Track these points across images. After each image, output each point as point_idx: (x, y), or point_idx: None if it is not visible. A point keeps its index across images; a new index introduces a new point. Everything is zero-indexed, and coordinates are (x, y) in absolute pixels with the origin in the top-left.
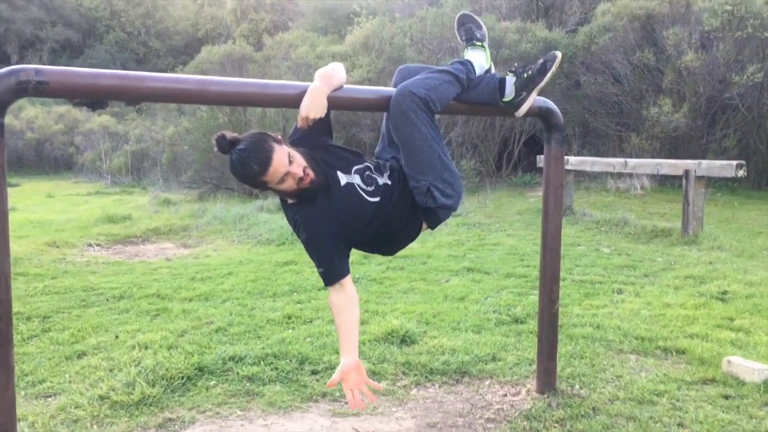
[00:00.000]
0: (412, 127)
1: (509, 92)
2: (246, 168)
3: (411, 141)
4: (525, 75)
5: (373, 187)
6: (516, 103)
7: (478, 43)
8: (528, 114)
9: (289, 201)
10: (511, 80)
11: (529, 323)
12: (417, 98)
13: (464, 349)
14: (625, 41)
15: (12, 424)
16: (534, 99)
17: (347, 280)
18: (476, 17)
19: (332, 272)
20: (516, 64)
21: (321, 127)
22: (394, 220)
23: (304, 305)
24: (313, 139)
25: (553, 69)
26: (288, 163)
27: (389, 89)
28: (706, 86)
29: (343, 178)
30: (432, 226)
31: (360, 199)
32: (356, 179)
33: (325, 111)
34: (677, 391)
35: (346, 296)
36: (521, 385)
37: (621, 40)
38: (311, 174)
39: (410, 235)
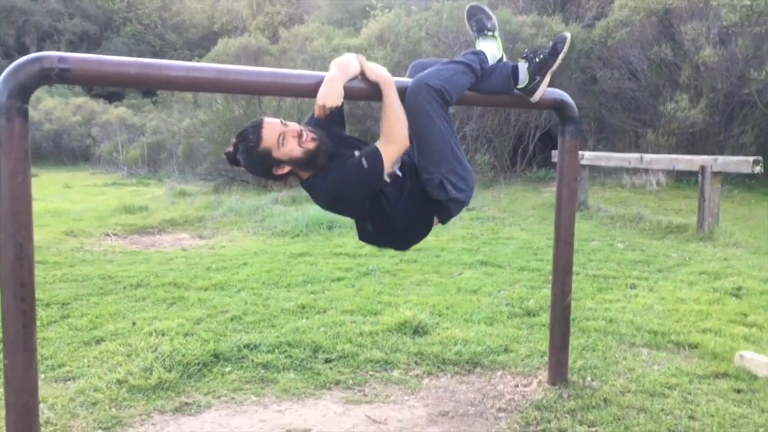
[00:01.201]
0: (428, 119)
1: (523, 78)
2: (248, 144)
3: (426, 133)
4: (537, 59)
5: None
6: (531, 89)
7: (489, 33)
8: (542, 106)
9: (305, 176)
10: (523, 66)
11: (542, 316)
12: (433, 90)
13: (477, 340)
14: (642, 36)
15: (34, 403)
16: (547, 83)
17: None
18: (486, 8)
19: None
20: (527, 50)
21: (334, 118)
22: (405, 212)
23: (318, 296)
24: (326, 128)
25: (564, 50)
26: (281, 124)
27: (405, 80)
28: (724, 82)
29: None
30: (443, 221)
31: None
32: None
33: (342, 100)
34: (689, 384)
35: None
36: (533, 377)
37: (638, 34)
38: (311, 134)
39: (422, 229)
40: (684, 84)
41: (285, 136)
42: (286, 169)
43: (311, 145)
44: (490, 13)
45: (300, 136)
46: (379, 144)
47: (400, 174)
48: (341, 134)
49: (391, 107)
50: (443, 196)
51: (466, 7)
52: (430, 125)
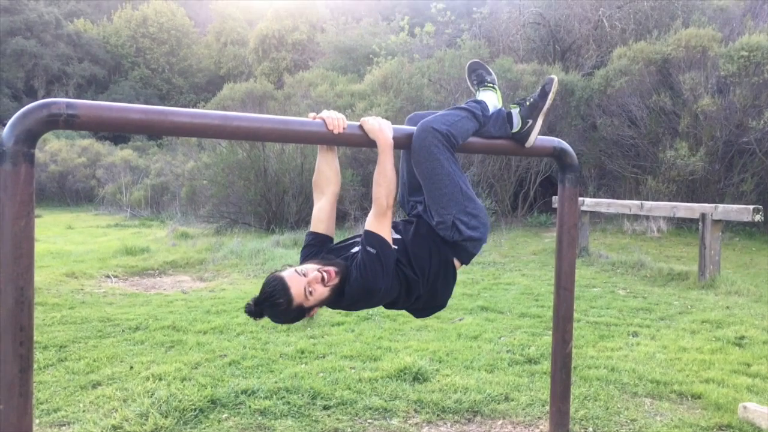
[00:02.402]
0: (435, 162)
1: (516, 122)
2: (278, 308)
3: (433, 176)
4: (527, 103)
5: None
6: (524, 133)
7: (490, 85)
8: (542, 154)
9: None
10: (515, 111)
11: (543, 364)
12: (439, 134)
13: (477, 388)
14: (642, 85)
15: None
16: (540, 126)
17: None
18: (485, 64)
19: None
20: (518, 98)
21: (322, 240)
22: (423, 266)
23: (317, 340)
24: (324, 245)
25: (552, 90)
26: (302, 276)
27: (409, 128)
28: (723, 130)
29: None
30: (465, 261)
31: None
32: None
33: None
34: None
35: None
36: (534, 426)
37: (637, 83)
38: (331, 268)
39: (447, 276)
40: (683, 132)
41: (311, 286)
42: (317, 308)
43: (336, 280)
44: (490, 69)
45: (323, 279)
46: (371, 220)
47: (398, 236)
48: (335, 249)
49: (383, 174)
50: (457, 236)
51: (468, 63)
52: (438, 168)
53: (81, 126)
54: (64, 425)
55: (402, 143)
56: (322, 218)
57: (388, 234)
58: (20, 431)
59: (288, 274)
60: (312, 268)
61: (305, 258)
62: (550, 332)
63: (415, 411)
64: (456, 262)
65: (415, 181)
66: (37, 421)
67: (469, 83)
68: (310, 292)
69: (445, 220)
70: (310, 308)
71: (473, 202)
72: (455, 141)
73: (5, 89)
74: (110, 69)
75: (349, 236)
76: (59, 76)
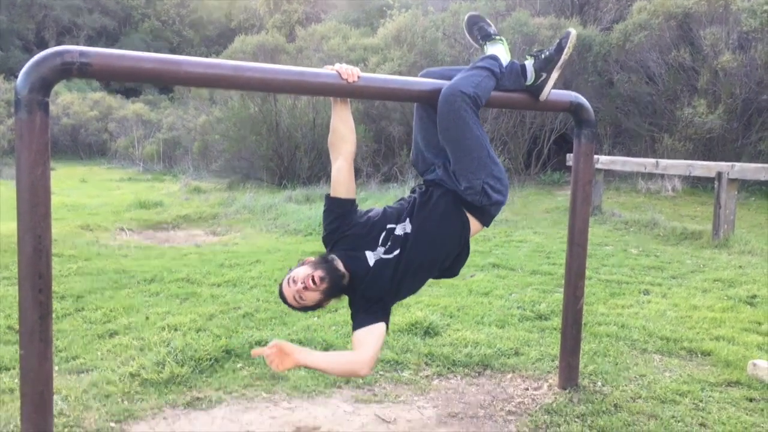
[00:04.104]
0: (465, 126)
1: (530, 75)
2: (288, 307)
3: (462, 141)
4: (543, 56)
5: (389, 244)
6: (538, 86)
7: (497, 37)
8: (558, 108)
9: (349, 300)
10: (530, 64)
11: (553, 320)
12: (467, 97)
13: (487, 342)
14: (661, 40)
15: (49, 393)
16: (554, 80)
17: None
18: (484, 17)
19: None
20: (534, 50)
21: (344, 206)
22: (433, 234)
23: None
24: (346, 220)
25: (569, 45)
26: (292, 284)
27: (425, 80)
28: (743, 88)
29: (371, 258)
30: (487, 224)
31: (386, 265)
32: (381, 251)
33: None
34: (701, 392)
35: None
36: (543, 380)
37: (657, 38)
38: (317, 273)
39: (462, 250)
40: (702, 89)
41: (299, 293)
42: (328, 302)
43: (324, 285)
44: (489, 21)
45: (306, 288)
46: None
47: (400, 233)
48: (358, 223)
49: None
50: (486, 201)
51: (465, 18)
52: (468, 132)
53: (94, 74)
54: (83, 372)
55: (419, 97)
56: (341, 180)
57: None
58: (41, 376)
59: (284, 283)
60: (301, 276)
61: (328, 227)
62: (561, 289)
63: (426, 364)
64: (476, 225)
65: (433, 139)
66: (56, 368)
67: (470, 39)
68: (301, 298)
69: (474, 185)
70: (317, 305)
71: (498, 165)
72: (481, 103)
73: (16, 41)
74: (120, 21)
75: (370, 212)
76: (70, 28)
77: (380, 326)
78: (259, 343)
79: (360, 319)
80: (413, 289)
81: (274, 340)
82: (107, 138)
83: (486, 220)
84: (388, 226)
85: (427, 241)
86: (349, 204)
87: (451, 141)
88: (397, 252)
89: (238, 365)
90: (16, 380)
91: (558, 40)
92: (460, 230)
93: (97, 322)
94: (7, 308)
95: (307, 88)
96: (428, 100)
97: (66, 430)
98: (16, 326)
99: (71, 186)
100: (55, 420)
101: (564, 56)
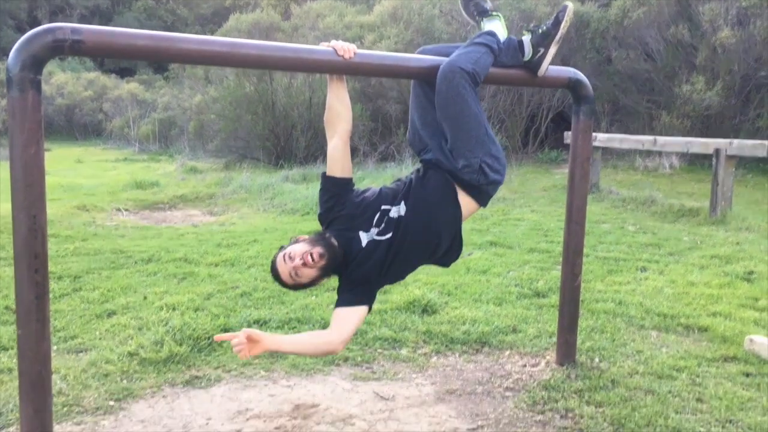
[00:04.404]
0: (463, 104)
1: (527, 51)
2: (280, 285)
3: (461, 118)
4: (540, 31)
5: (383, 226)
6: (536, 61)
7: (494, 14)
8: (557, 85)
9: (339, 279)
10: (527, 39)
11: (551, 297)
12: (466, 74)
13: (485, 320)
14: (660, 16)
15: (47, 373)
16: (552, 55)
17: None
18: None
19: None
20: (532, 24)
21: (340, 185)
22: (428, 219)
23: None
24: (342, 200)
25: (566, 20)
26: (288, 260)
27: (422, 57)
28: (741, 64)
29: (364, 238)
30: (484, 204)
31: (378, 246)
32: (374, 231)
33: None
34: (697, 367)
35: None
36: (541, 357)
37: (655, 14)
38: (316, 250)
39: (454, 240)
40: (700, 66)
41: (295, 270)
42: (321, 281)
43: (322, 262)
44: None
45: (305, 264)
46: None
47: (394, 216)
48: (353, 203)
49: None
50: (483, 179)
51: None
52: (466, 110)
53: (87, 52)
54: (82, 351)
55: (416, 73)
56: (336, 158)
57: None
58: (39, 355)
59: (279, 259)
60: (299, 252)
61: (323, 206)
62: (559, 267)
63: (424, 342)
64: (473, 205)
65: (429, 117)
66: (54, 347)
67: (466, 15)
68: (297, 275)
69: (472, 163)
70: (310, 284)
71: (496, 144)
72: (479, 79)
73: (8, 20)
74: None
75: (367, 192)
76: (62, 7)
77: (363, 309)
78: (258, 323)
79: (344, 298)
80: (401, 274)
81: (243, 329)
82: (102, 118)
83: (483, 199)
84: (383, 207)
85: (421, 224)
86: (345, 183)
87: (449, 118)
88: (389, 234)
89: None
90: (15, 360)
91: (555, 14)
92: (454, 215)
93: (95, 302)
94: (4, 288)
95: (303, 64)
96: (426, 76)
97: (65, 409)
98: (14, 306)
99: (67, 167)
100: (54, 399)
101: (561, 30)
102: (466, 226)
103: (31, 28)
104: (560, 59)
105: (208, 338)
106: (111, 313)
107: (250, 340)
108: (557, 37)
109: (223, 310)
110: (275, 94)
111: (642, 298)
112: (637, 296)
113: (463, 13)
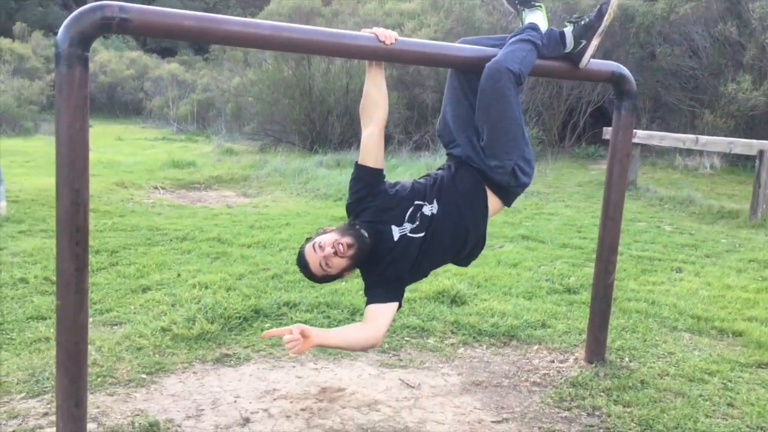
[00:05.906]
0: (507, 105)
1: (569, 42)
2: (308, 277)
3: (502, 120)
4: (582, 22)
5: (417, 223)
6: (577, 53)
7: (536, 4)
8: (600, 78)
9: (364, 272)
10: (569, 30)
11: (582, 294)
12: (512, 75)
13: (514, 313)
14: (707, 12)
15: (84, 343)
16: (595, 48)
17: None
18: None
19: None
20: (575, 15)
21: (373, 175)
22: (459, 211)
23: None
24: (373, 190)
25: (610, 11)
26: (318, 249)
27: (464, 46)
28: None
29: (396, 232)
30: (509, 204)
31: (411, 243)
32: (407, 227)
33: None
34: (730, 372)
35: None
36: (569, 353)
37: (703, 10)
38: (345, 240)
39: (479, 227)
40: (747, 64)
41: (326, 260)
42: (347, 273)
43: (352, 252)
44: None
45: (336, 253)
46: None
47: (428, 213)
48: (386, 196)
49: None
50: (513, 182)
51: None
52: (509, 112)
53: (134, 30)
54: (116, 324)
55: (458, 63)
56: (371, 147)
57: None
58: (76, 326)
59: (307, 249)
60: (329, 241)
61: (354, 195)
62: (591, 263)
63: (452, 332)
64: (498, 204)
65: (461, 111)
66: (90, 319)
67: (508, 5)
68: (327, 265)
69: (506, 165)
70: (339, 276)
71: (529, 147)
72: (523, 80)
73: None
74: None
75: (397, 185)
76: None
77: (395, 306)
78: (288, 305)
79: (376, 294)
80: (426, 273)
81: (296, 324)
82: (143, 97)
83: (509, 200)
84: (416, 202)
85: (451, 223)
86: (377, 173)
87: (490, 118)
88: (423, 233)
89: (266, 324)
90: (52, 330)
91: (599, 6)
92: (483, 215)
93: (131, 277)
94: (44, 260)
95: (345, 50)
96: (466, 66)
97: (99, 379)
98: (53, 277)
99: (107, 143)
100: (89, 369)
101: (605, 22)
102: (498, 219)
103: (77, 5)
104: (602, 53)
105: (239, 318)
106: (146, 289)
107: (303, 335)
108: (600, 30)
109: (254, 291)
110: (313, 79)
111: (676, 299)
112: (671, 297)
113: (505, 2)
